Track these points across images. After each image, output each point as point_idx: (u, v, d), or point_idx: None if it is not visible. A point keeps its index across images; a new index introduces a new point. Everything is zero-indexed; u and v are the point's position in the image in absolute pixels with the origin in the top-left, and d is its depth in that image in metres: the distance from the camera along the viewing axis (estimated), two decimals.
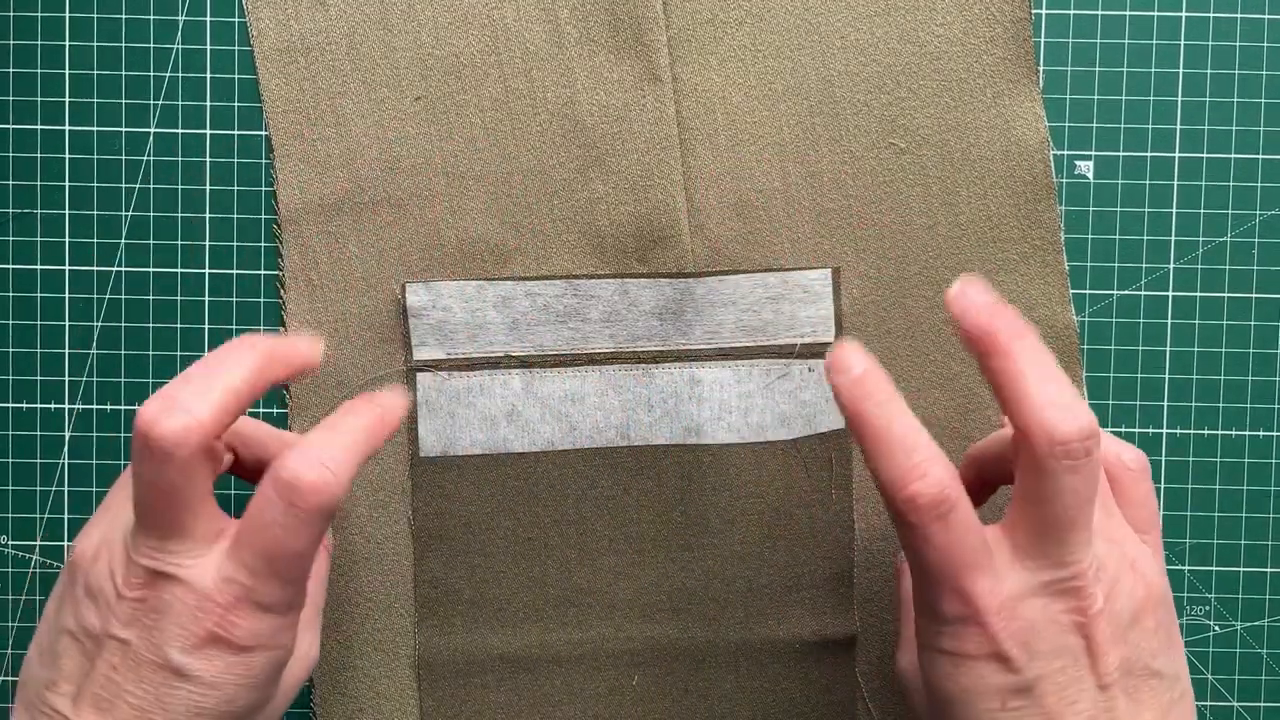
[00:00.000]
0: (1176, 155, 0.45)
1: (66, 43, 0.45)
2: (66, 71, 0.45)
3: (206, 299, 0.45)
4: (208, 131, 0.45)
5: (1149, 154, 0.45)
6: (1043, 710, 0.33)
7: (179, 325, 0.45)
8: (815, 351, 0.44)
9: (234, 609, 0.33)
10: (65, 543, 0.45)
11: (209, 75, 0.45)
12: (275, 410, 0.45)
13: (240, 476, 0.40)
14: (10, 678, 0.46)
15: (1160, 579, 0.35)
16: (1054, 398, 0.32)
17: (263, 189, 0.45)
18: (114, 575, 0.34)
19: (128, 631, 0.33)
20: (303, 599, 0.35)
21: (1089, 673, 0.33)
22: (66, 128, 0.45)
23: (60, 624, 0.35)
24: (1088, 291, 0.45)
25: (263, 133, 0.45)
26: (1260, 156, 0.45)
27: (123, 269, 0.45)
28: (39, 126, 0.45)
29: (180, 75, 0.45)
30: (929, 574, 0.33)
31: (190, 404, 0.32)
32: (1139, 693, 0.34)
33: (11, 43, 0.45)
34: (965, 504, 0.33)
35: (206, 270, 0.45)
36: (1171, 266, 0.45)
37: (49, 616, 0.36)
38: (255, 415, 0.45)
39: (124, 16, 0.45)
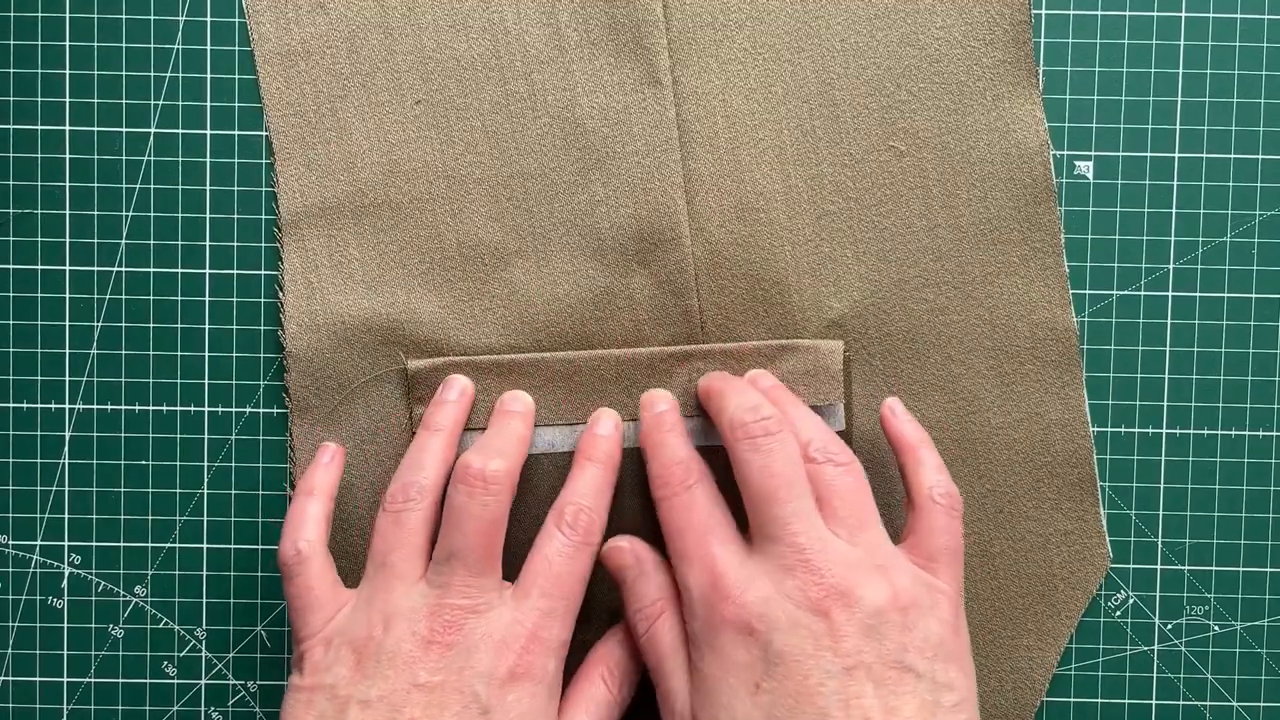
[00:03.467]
0: (1176, 155, 0.45)
1: (67, 43, 0.45)
2: (67, 71, 0.45)
3: (206, 299, 0.45)
4: (208, 132, 0.45)
5: (1149, 154, 0.45)
6: (791, 691, 0.34)
7: (179, 325, 0.45)
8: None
9: (531, 638, 0.37)
10: (65, 543, 0.46)
11: (209, 75, 0.45)
12: (275, 410, 0.45)
13: None
14: (10, 678, 0.46)
15: (914, 590, 0.37)
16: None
17: (263, 190, 0.45)
18: (418, 625, 0.37)
19: (437, 676, 0.36)
20: (567, 649, 0.39)
21: (832, 654, 0.35)
22: (67, 128, 0.45)
23: (341, 700, 0.36)
24: (1088, 291, 0.45)
25: (263, 134, 0.45)
26: (1260, 156, 0.45)
27: (123, 269, 0.45)
28: (39, 126, 0.45)
29: (180, 75, 0.45)
30: (685, 550, 0.38)
31: (503, 452, 0.40)
32: (892, 684, 0.35)
33: (11, 43, 0.45)
34: (709, 485, 0.40)
35: (206, 270, 0.45)
36: (1171, 266, 0.45)
37: (303, 711, 0.37)
38: (256, 415, 0.45)
39: (124, 16, 0.45)
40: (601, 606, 0.44)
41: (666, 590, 0.40)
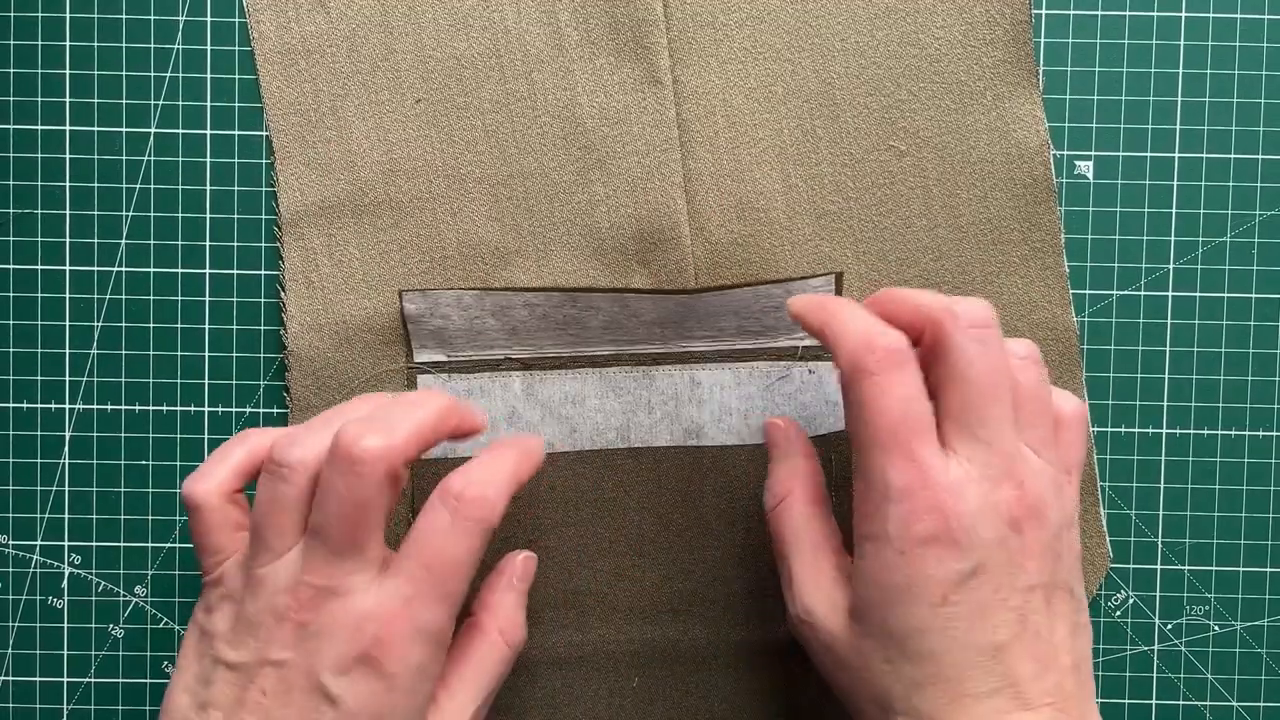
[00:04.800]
0: (1176, 155, 0.45)
1: (67, 43, 0.45)
2: (67, 71, 0.45)
3: (206, 299, 0.45)
4: (208, 131, 0.45)
5: (1149, 154, 0.45)
6: (977, 604, 0.34)
7: (179, 325, 0.45)
8: (816, 354, 0.44)
9: (390, 625, 0.34)
10: (65, 543, 0.45)
11: (209, 75, 0.45)
12: (276, 410, 0.45)
13: None
14: (10, 678, 0.46)
15: (1071, 508, 0.36)
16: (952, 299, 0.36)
17: (263, 189, 0.45)
18: (277, 599, 0.35)
19: (286, 653, 0.34)
20: (449, 637, 0.36)
21: (1021, 570, 0.34)
22: (67, 128, 0.45)
23: (214, 654, 0.36)
24: (1088, 291, 0.45)
25: (263, 133, 0.45)
26: (1260, 156, 0.45)
27: (123, 269, 0.45)
28: (39, 126, 0.45)
29: (181, 75, 0.45)
30: (881, 437, 0.35)
31: (389, 429, 0.35)
32: (1056, 604, 0.35)
33: (11, 43, 0.45)
34: (918, 369, 0.35)
35: (206, 270, 0.45)
36: (1171, 266, 0.45)
37: (192, 649, 0.37)
38: (256, 415, 0.45)
39: (124, 16, 0.45)
40: (620, 604, 0.44)
41: (800, 471, 0.40)
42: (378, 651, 0.34)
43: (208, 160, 0.45)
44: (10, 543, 0.46)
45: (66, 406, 0.45)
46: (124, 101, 0.45)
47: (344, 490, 0.34)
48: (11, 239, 0.45)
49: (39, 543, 0.46)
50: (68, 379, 0.45)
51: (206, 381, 0.45)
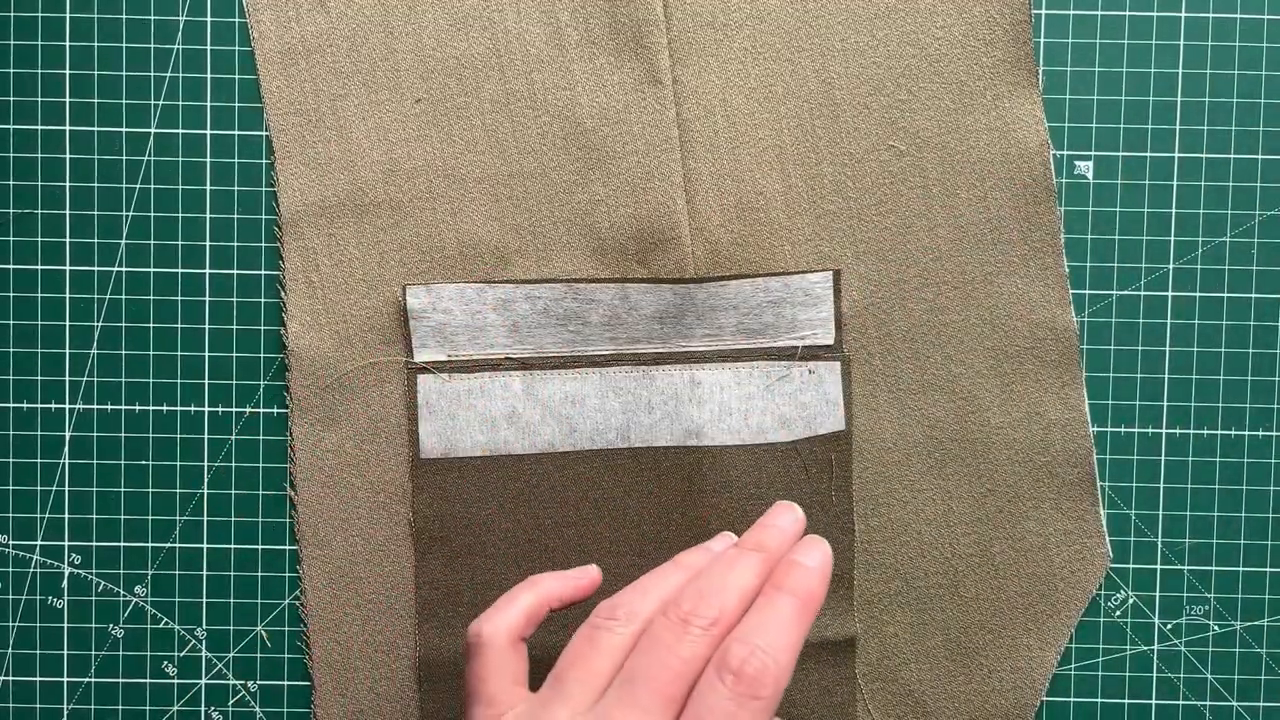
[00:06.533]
0: (1176, 155, 0.45)
1: (67, 43, 0.45)
2: (67, 72, 0.45)
3: (206, 299, 0.45)
4: (208, 131, 0.45)
5: (1149, 154, 0.45)
6: None
7: (179, 325, 0.45)
8: (816, 354, 0.44)
9: None
10: (65, 543, 0.45)
11: (209, 75, 0.45)
12: (275, 410, 0.45)
13: None
14: (10, 678, 0.46)
15: None
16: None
17: (263, 189, 0.45)
18: None
19: None
20: None
21: None
22: (67, 128, 0.45)
23: None
24: (1088, 291, 0.45)
25: (263, 133, 0.45)
26: (1260, 156, 0.45)
27: (123, 269, 0.45)
28: (39, 126, 0.45)
29: (181, 75, 0.45)
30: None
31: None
32: None
33: (12, 43, 0.45)
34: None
35: (206, 270, 0.45)
36: (1171, 266, 0.45)
37: None
38: (256, 414, 0.45)
39: (124, 17, 0.45)
40: None
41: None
42: None
43: (208, 160, 0.45)
44: (10, 543, 0.46)
45: (66, 406, 0.45)
46: (124, 101, 0.45)
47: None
48: (11, 239, 0.45)
49: (39, 543, 0.46)
50: (68, 379, 0.45)
51: (206, 381, 0.45)
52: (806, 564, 0.34)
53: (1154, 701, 0.46)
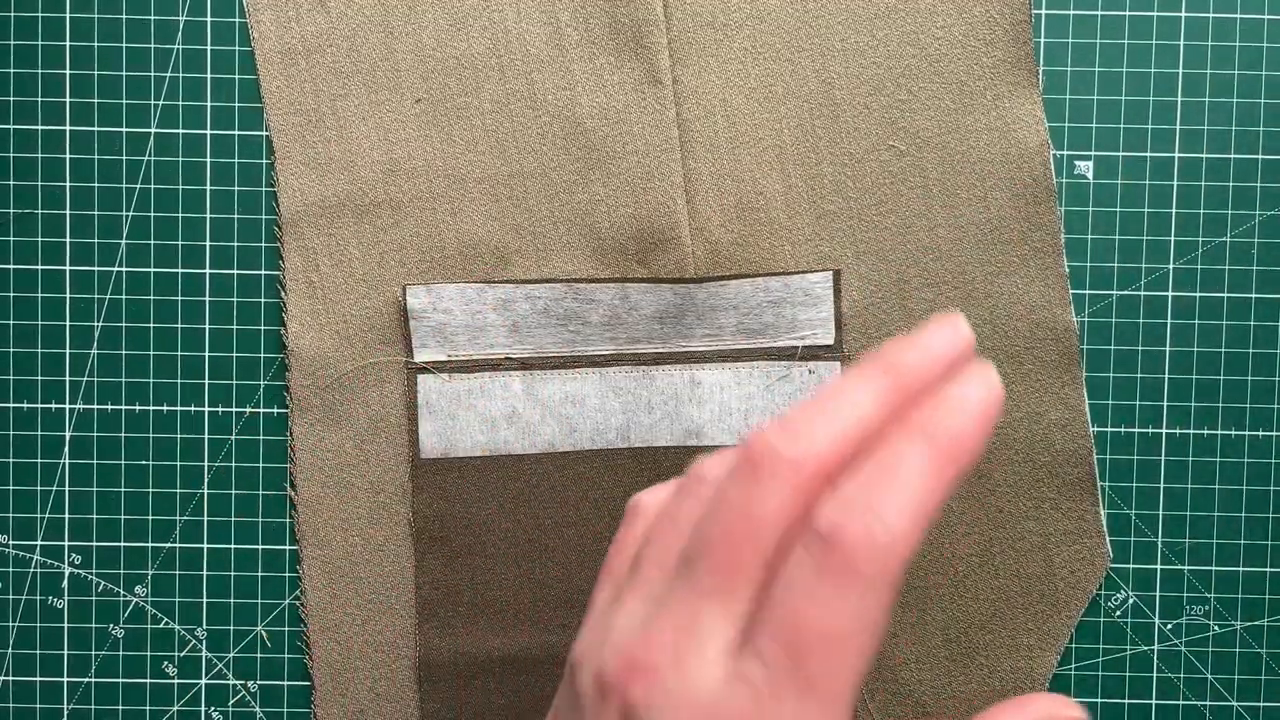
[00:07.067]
0: (1176, 155, 0.45)
1: (67, 43, 0.45)
2: (67, 71, 0.45)
3: (206, 299, 0.45)
4: (208, 131, 0.45)
5: (1149, 154, 0.45)
6: None
7: (179, 325, 0.45)
8: (816, 354, 0.44)
9: None
10: (65, 543, 0.45)
11: (209, 75, 0.45)
12: (275, 410, 0.45)
13: None
14: (10, 678, 0.46)
15: None
16: None
17: (263, 189, 0.45)
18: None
19: None
20: None
21: None
22: (67, 128, 0.45)
23: None
24: (1088, 291, 0.45)
25: (263, 133, 0.45)
26: (1260, 156, 0.45)
27: (123, 269, 0.45)
28: (39, 126, 0.45)
29: (181, 75, 0.45)
30: None
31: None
32: None
33: (12, 43, 0.45)
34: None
35: (206, 270, 0.45)
36: (1171, 266, 0.45)
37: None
38: (256, 414, 0.45)
39: (124, 16, 0.45)
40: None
41: None
42: None
43: (208, 160, 0.45)
44: (10, 543, 0.46)
45: (66, 406, 0.45)
46: (124, 101, 0.45)
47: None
48: (11, 239, 0.45)
49: (39, 543, 0.46)
50: (68, 379, 0.45)
51: (206, 381, 0.45)
52: (958, 398, 0.24)
53: (1154, 701, 0.46)
